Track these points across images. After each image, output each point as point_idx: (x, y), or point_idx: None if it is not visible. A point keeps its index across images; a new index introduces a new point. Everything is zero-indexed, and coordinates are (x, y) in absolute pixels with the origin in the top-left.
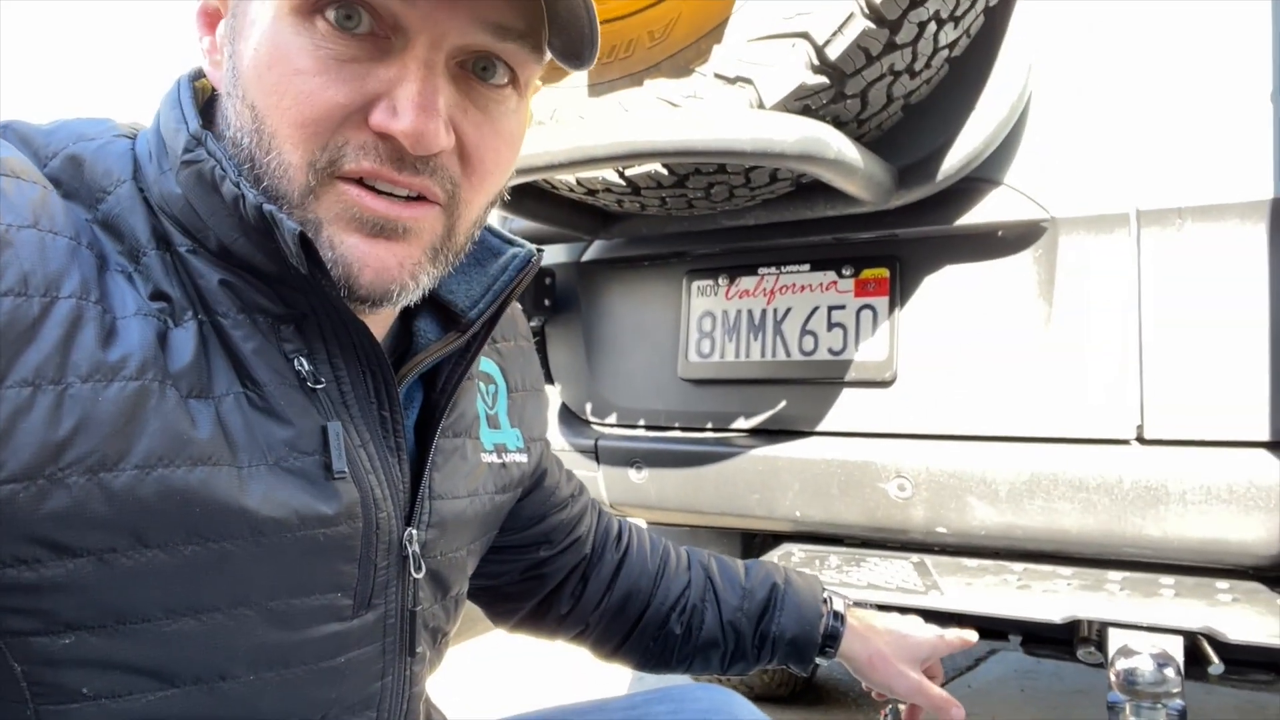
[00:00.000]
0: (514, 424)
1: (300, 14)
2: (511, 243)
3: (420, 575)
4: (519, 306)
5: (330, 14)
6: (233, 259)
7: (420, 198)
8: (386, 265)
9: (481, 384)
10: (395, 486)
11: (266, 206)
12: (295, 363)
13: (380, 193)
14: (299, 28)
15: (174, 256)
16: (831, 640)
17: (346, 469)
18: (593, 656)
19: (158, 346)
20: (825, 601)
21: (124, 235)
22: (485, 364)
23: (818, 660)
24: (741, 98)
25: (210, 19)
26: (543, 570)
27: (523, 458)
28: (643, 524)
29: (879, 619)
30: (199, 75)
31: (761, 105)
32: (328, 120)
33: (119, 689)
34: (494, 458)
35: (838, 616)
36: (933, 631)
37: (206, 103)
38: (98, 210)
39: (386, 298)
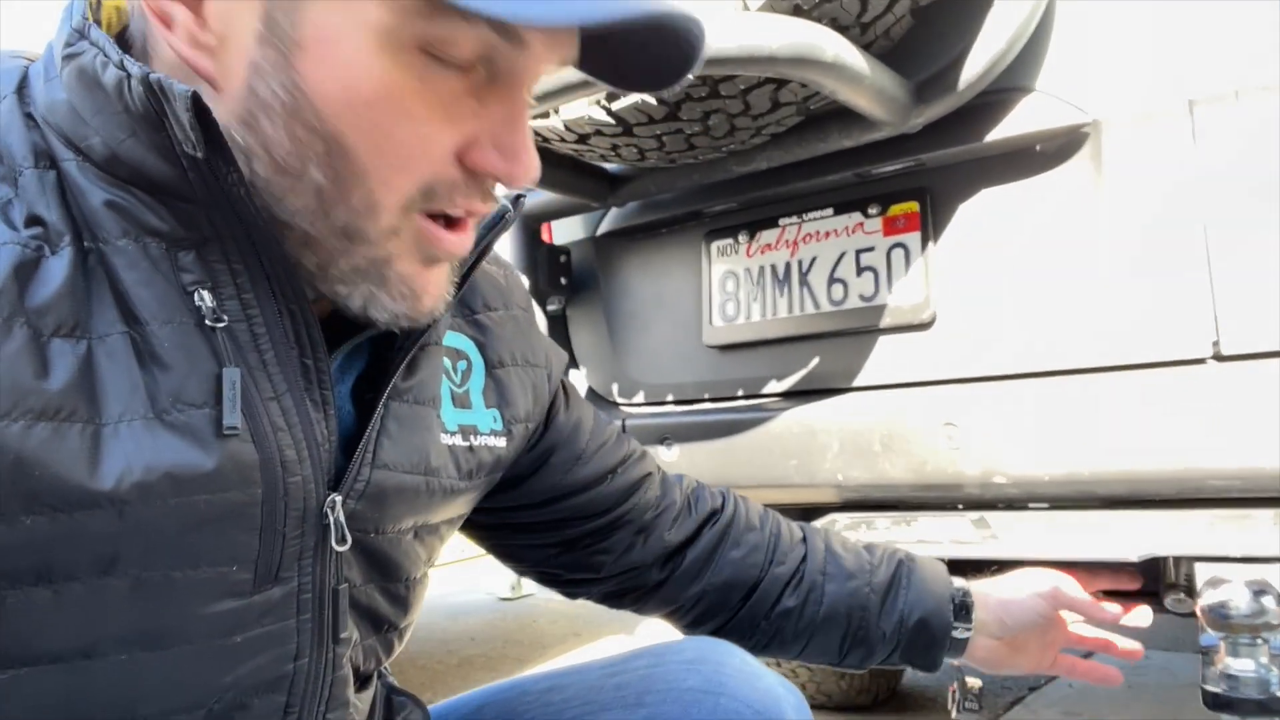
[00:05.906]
0: (490, 404)
1: (399, 47)
2: None
3: (344, 548)
4: (518, 273)
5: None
6: (122, 168)
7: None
8: (440, 287)
9: (449, 360)
10: (316, 445)
11: (154, 75)
12: (195, 296)
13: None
14: (400, 60)
15: (58, 174)
16: (963, 613)
17: (241, 424)
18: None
19: (13, 278)
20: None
21: (1, 157)
22: (456, 339)
23: (949, 659)
24: (726, 3)
25: None
26: (599, 546)
27: (499, 441)
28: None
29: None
30: None
31: (747, 8)
32: (434, 165)
33: None
34: (458, 439)
35: (964, 592)
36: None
37: (119, 36)
38: None
39: (431, 317)
